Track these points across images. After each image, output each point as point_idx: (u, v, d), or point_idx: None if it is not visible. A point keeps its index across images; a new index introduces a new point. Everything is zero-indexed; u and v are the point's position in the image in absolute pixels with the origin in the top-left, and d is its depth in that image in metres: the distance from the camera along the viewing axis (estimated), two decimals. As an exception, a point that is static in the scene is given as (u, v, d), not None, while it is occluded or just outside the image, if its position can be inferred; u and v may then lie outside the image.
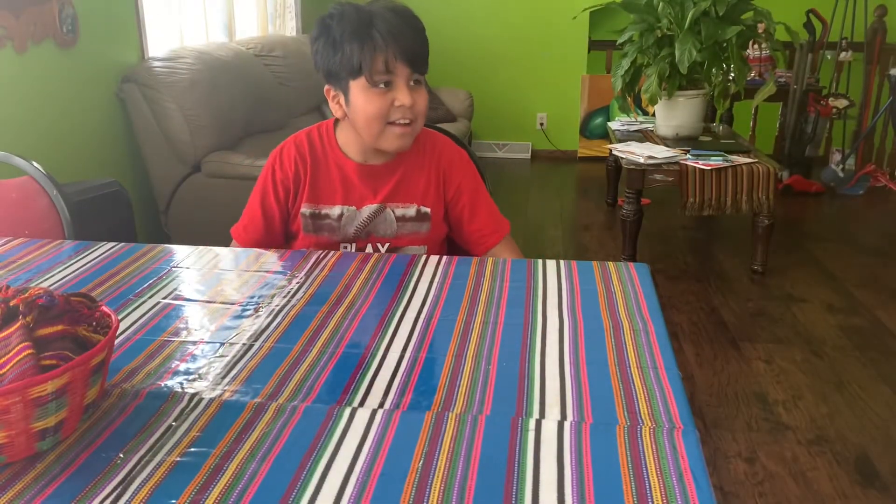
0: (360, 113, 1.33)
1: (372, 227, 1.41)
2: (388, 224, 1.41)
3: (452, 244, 1.54)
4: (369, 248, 1.41)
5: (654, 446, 0.75)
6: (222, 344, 0.98)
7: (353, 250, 1.41)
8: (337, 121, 1.44)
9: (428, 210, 1.42)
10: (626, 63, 3.34)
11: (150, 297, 1.12)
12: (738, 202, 3.10)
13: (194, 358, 0.94)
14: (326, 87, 1.37)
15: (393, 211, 1.41)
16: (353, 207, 1.40)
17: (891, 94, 4.30)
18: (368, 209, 1.41)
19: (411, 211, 1.41)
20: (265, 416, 0.81)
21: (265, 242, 1.44)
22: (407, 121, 1.33)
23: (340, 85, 1.34)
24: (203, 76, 3.03)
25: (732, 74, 3.28)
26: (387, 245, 1.42)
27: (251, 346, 0.97)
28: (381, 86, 1.30)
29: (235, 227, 1.47)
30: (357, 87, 1.31)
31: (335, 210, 1.41)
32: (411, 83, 1.32)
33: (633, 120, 3.91)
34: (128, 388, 0.87)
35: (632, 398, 0.84)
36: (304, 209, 1.41)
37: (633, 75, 3.36)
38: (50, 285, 1.17)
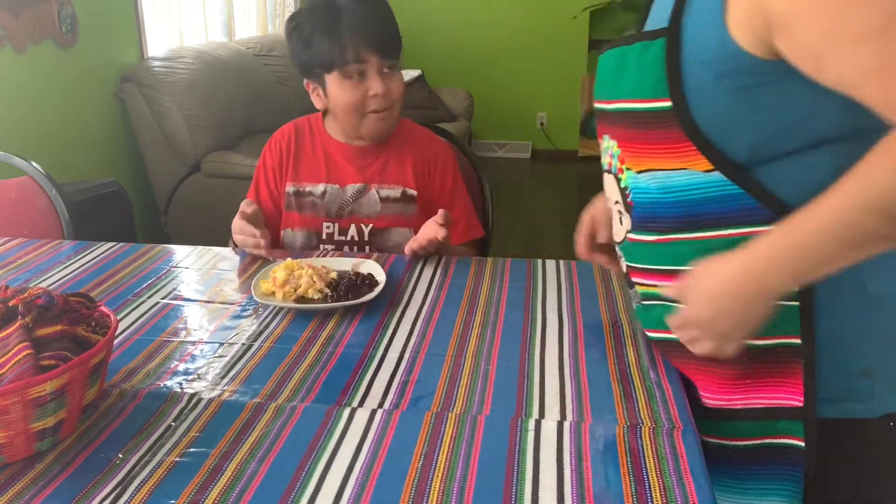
0: (338, 104, 1.36)
1: (356, 207, 1.41)
2: (371, 204, 1.41)
3: None
4: (352, 229, 1.41)
5: (653, 446, 0.75)
6: (221, 344, 0.98)
7: (336, 230, 1.42)
8: (325, 112, 1.47)
9: (415, 193, 1.42)
10: (625, 63, 3.34)
11: (150, 297, 1.12)
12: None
13: (193, 358, 0.94)
14: (305, 81, 1.41)
15: (378, 191, 1.42)
16: (337, 185, 1.42)
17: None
18: (352, 188, 1.42)
19: (397, 192, 1.42)
20: (264, 416, 0.81)
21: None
22: (383, 108, 1.35)
23: (317, 78, 1.37)
24: (202, 76, 3.03)
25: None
26: (370, 226, 1.41)
27: (250, 346, 0.97)
28: (355, 77, 1.33)
29: None
30: (332, 79, 1.34)
31: (319, 187, 1.42)
32: (384, 70, 1.34)
33: (633, 120, 3.91)
34: (127, 389, 0.87)
35: (631, 398, 0.84)
36: (288, 187, 1.43)
37: (632, 75, 3.36)
38: (49, 285, 1.16)
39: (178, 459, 0.74)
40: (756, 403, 0.80)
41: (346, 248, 1.40)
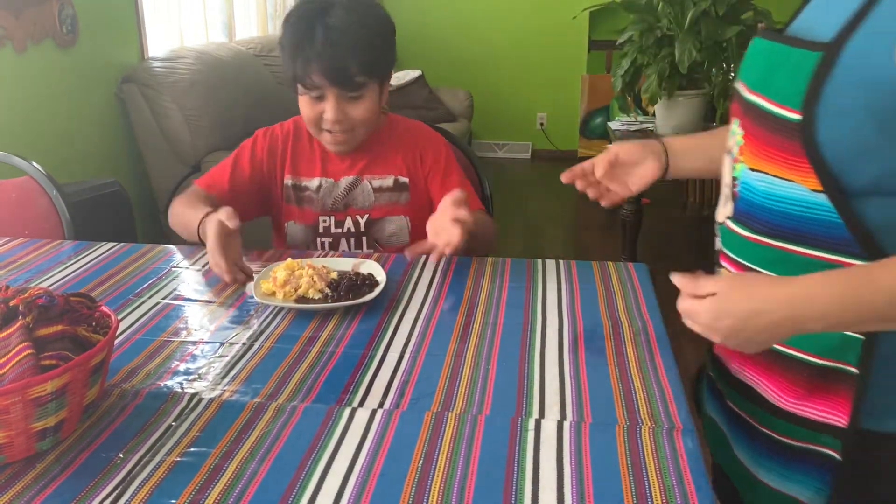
0: (301, 112, 1.39)
1: (350, 199, 1.43)
2: (365, 195, 1.43)
3: None
4: (349, 221, 1.43)
5: (653, 446, 0.75)
6: (222, 344, 0.98)
7: (332, 223, 1.43)
8: None
9: (406, 180, 1.44)
10: (626, 63, 3.34)
11: (150, 297, 1.12)
12: (738, 202, 3.09)
13: (194, 358, 0.94)
14: None
15: (370, 182, 1.44)
16: (332, 180, 1.44)
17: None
18: (346, 181, 1.44)
19: (389, 181, 1.44)
20: (265, 416, 0.81)
21: (226, 202, 1.32)
22: (338, 132, 1.36)
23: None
24: (203, 76, 3.03)
25: (732, 74, 3.28)
26: (366, 217, 1.43)
27: (251, 346, 0.97)
28: (314, 93, 1.33)
29: (200, 180, 1.45)
30: (299, 88, 1.36)
31: (314, 182, 1.44)
32: (347, 97, 1.33)
33: (633, 120, 3.92)
34: (127, 389, 0.87)
35: (631, 398, 0.84)
36: (287, 180, 1.45)
37: (633, 75, 3.36)
38: (50, 285, 1.17)
39: (178, 459, 0.74)
40: (807, 414, 0.81)
41: (343, 241, 1.43)
